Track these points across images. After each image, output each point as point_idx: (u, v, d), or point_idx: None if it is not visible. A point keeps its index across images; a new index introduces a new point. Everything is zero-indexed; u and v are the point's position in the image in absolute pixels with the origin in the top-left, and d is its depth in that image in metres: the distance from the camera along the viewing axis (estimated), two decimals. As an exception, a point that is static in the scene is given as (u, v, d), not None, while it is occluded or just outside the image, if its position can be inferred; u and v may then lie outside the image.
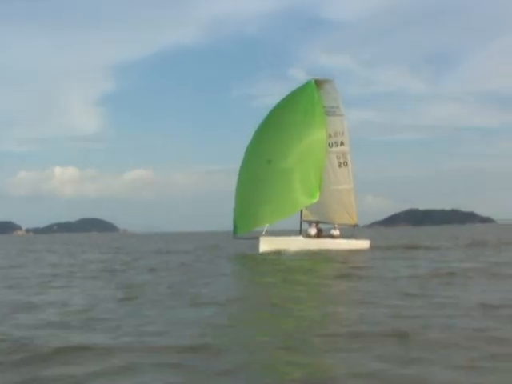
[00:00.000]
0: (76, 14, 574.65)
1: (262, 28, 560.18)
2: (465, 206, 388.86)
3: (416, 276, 19.80)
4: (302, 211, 39.57)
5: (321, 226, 40.63)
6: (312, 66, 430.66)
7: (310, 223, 40.27)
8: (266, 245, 36.71)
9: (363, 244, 39.94)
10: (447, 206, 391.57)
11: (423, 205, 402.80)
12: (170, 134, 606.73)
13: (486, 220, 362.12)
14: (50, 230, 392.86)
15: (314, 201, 37.80)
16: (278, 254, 34.62)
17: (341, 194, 39.90)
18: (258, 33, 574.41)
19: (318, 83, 39.50)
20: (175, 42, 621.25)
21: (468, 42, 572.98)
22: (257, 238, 37.49)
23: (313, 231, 39.79)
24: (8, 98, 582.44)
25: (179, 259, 33.07)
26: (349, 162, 39.88)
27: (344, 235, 40.40)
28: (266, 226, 37.77)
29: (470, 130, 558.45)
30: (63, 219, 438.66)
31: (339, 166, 39.76)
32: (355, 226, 40.74)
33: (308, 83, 39.44)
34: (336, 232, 40.35)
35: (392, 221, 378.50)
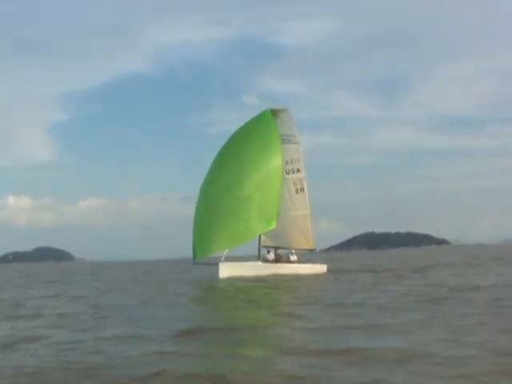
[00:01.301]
0: (23, 44, 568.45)
1: (215, 55, 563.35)
2: (420, 229, 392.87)
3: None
4: (260, 237, 40.40)
5: (280, 251, 41.40)
6: (266, 92, 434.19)
7: (267, 249, 41.06)
8: (225, 270, 37.45)
9: (320, 268, 40.93)
10: (403, 229, 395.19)
11: (379, 228, 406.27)
12: (124, 161, 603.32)
13: (441, 242, 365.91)
14: (5, 259, 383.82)
15: (271, 228, 38.69)
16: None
17: (298, 220, 40.85)
18: (211, 60, 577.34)
19: (274, 112, 40.67)
20: (127, 70, 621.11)
21: (417, 68, 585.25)
22: (216, 264, 38.26)
23: (270, 256, 40.59)
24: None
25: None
26: (305, 189, 40.96)
27: (301, 260, 41.34)
28: (225, 252, 38.60)
29: (423, 152, 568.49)
30: (18, 249, 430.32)
31: (296, 192, 40.80)
32: (312, 250, 41.60)
33: (264, 112, 40.57)
34: (294, 257, 41.24)
35: (349, 245, 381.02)
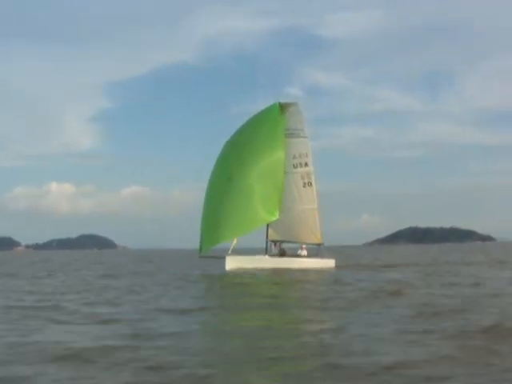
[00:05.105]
0: (66, 33, 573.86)
1: (260, 46, 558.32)
2: (464, 224, 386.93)
3: None
4: (267, 231, 40.22)
5: (284, 245, 41.17)
6: (310, 83, 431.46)
7: (273, 243, 40.83)
8: (232, 264, 37.39)
9: (328, 263, 40.48)
10: (446, 224, 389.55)
11: (423, 223, 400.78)
12: (167, 150, 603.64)
13: (485, 238, 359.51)
14: (49, 246, 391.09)
15: (274, 219, 38.62)
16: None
17: (305, 214, 40.44)
18: (256, 51, 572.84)
19: (283, 106, 40.39)
20: (172, 60, 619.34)
21: (464, 60, 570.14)
22: (223, 258, 38.17)
23: (275, 251, 40.42)
24: (3, 116, 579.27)
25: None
26: (313, 183, 40.53)
27: (310, 254, 41.00)
28: (232, 246, 38.50)
29: (468, 147, 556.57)
30: (61, 235, 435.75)
31: (303, 186, 40.40)
32: (320, 244, 41.07)
33: (272, 106, 40.37)
34: (303, 252, 40.97)
35: (393, 239, 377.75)
